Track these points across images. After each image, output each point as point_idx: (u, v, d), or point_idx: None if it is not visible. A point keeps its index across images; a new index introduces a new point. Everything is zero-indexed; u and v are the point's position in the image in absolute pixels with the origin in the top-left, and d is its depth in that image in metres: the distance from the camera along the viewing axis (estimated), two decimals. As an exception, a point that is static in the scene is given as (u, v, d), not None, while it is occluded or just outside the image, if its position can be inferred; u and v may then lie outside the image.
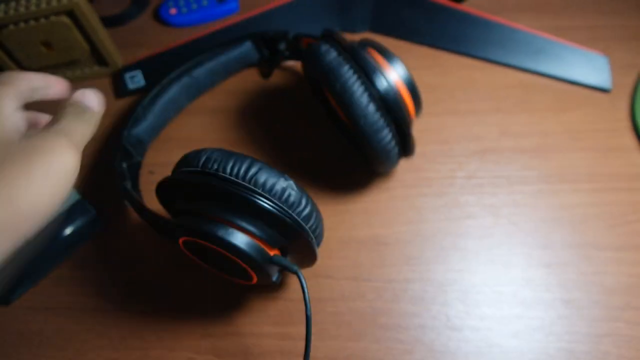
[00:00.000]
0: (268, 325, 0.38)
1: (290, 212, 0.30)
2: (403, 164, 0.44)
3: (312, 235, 0.32)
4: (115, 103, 0.51)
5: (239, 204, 0.30)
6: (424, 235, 0.41)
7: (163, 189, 0.33)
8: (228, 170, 0.30)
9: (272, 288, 0.40)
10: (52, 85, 0.31)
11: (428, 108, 0.47)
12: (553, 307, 0.37)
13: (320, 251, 0.41)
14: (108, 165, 0.45)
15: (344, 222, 0.42)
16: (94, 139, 0.50)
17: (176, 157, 0.33)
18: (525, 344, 0.36)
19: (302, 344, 0.37)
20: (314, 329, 0.38)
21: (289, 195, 0.30)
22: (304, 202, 0.31)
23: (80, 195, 0.44)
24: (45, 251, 0.42)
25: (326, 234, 0.42)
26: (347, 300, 0.39)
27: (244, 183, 0.30)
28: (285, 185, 0.30)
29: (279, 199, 0.30)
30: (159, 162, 0.47)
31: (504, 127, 0.46)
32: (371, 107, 0.36)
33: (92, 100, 0.29)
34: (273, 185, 0.30)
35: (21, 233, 0.23)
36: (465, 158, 0.44)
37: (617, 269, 0.38)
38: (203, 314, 0.39)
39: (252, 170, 0.30)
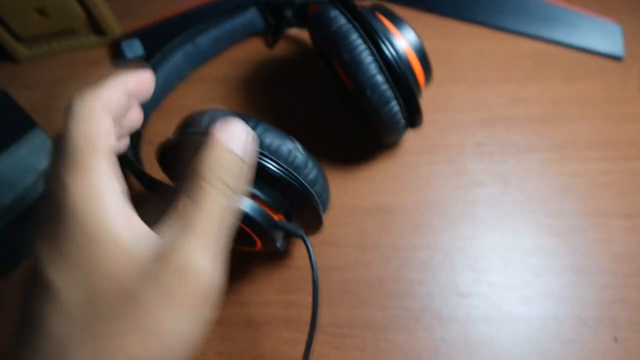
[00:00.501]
0: (272, 294, 0.38)
1: (296, 175, 0.30)
2: (411, 132, 0.43)
3: (317, 199, 0.32)
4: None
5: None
6: (431, 202, 0.40)
7: (164, 151, 0.32)
8: None
9: (276, 256, 0.39)
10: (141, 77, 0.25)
11: (437, 77, 0.45)
12: (562, 274, 0.37)
13: (325, 218, 0.40)
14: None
15: (349, 189, 0.42)
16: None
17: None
18: (535, 310, 0.36)
19: (307, 312, 0.37)
20: (320, 296, 0.37)
21: (295, 158, 0.30)
22: (310, 165, 0.30)
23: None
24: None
25: (332, 202, 0.41)
26: (352, 268, 0.38)
27: None
28: (291, 147, 0.29)
29: (285, 161, 0.29)
30: (158, 132, 0.46)
31: (514, 95, 0.45)
32: (379, 78, 0.35)
33: (241, 139, 0.22)
34: (279, 147, 0.29)
35: None
36: (475, 126, 0.43)
37: (626, 236, 0.38)
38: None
39: (258, 131, 0.29)
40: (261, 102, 0.47)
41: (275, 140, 0.29)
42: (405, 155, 0.43)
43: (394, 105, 0.36)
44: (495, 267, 0.37)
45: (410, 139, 0.43)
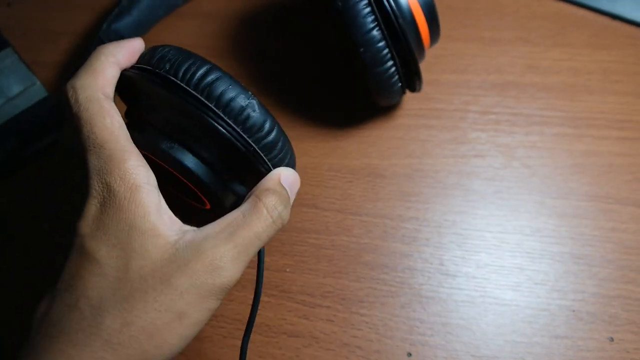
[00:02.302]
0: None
1: (245, 136, 0.24)
2: (410, 93, 0.39)
3: (271, 166, 0.26)
4: (98, -1, 0.46)
5: (186, 115, 0.24)
6: (425, 170, 0.36)
7: (118, 86, 0.27)
8: (180, 73, 0.24)
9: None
10: (130, 47, 0.26)
11: (447, 32, 0.41)
12: (561, 261, 0.33)
13: (307, 178, 0.37)
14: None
15: (336, 149, 0.38)
16: (69, 34, 0.45)
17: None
18: (525, 298, 0.32)
19: (278, 275, 0.34)
20: (292, 261, 0.34)
21: (248, 117, 0.24)
22: (267, 126, 0.25)
23: (48, 93, 0.40)
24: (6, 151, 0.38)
25: (316, 161, 0.37)
26: (330, 233, 0.35)
27: (193, 92, 0.24)
28: (245, 103, 0.24)
29: (234, 118, 0.24)
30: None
31: (531, 60, 0.40)
32: (375, 34, 0.30)
33: (293, 180, 0.26)
34: (230, 101, 0.24)
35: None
36: (483, 91, 0.39)
37: (638, 226, 0.34)
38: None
39: (209, 79, 0.24)
40: (253, 45, 0.43)
41: (228, 92, 0.24)
42: (402, 117, 0.39)
43: (390, 67, 0.32)
44: (487, 247, 0.34)
45: (410, 99, 0.39)
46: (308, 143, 0.38)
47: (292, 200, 0.26)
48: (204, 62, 0.24)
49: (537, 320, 0.32)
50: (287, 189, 0.25)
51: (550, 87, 0.39)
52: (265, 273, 0.34)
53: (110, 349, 0.22)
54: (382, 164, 0.37)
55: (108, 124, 0.23)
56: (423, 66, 0.33)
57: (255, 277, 0.33)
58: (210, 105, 0.24)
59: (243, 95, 0.24)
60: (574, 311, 0.32)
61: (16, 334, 0.33)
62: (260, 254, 0.26)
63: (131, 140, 0.23)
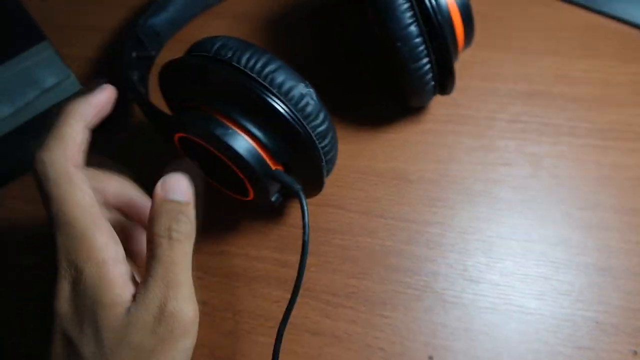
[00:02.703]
0: (267, 250, 0.35)
1: (303, 122, 0.26)
2: (439, 98, 0.39)
3: (323, 156, 0.28)
4: (133, -5, 0.46)
5: (247, 99, 0.25)
6: (452, 176, 0.37)
7: (166, 74, 0.29)
8: (243, 61, 0.25)
9: (273, 213, 0.36)
10: (99, 103, 0.26)
11: (477, 40, 0.40)
12: (586, 273, 0.33)
13: (334, 179, 0.37)
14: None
15: (364, 151, 0.38)
16: (102, 30, 0.46)
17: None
18: (549, 307, 0.32)
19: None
20: (316, 260, 0.35)
21: (307, 104, 0.26)
22: (321, 116, 0.27)
23: (82, 87, 0.40)
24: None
25: (343, 162, 0.38)
26: (356, 234, 0.35)
27: (257, 78, 0.25)
28: (304, 92, 0.26)
29: (295, 105, 0.26)
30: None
31: (560, 71, 0.40)
32: (413, 29, 0.31)
33: (181, 188, 0.25)
34: (291, 89, 0.26)
35: None
36: (511, 99, 0.39)
37: (666, 242, 0.34)
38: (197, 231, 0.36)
39: (270, 67, 0.26)
40: (283, 45, 0.44)
41: (288, 80, 0.26)
42: (430, 122, 0.39)
43: (426, 64, 0.32)
44: (512, 255, 0.34)
45: (438, 105, 0.39)
46: (335, 145, 0.39)
47: (190, 200, 0.25)
48: (264, 51, 0.26)
49: (560, 330, 0.32)
50: (179, 198, 0.25)
51: (579, 97, 0.39)
52: (290, 271, 0.34)
53: None
54: (409, 168, 0.37)
55: (79, 199, 0.23)
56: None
57: (277, 275, 0.34)
58: (274, 90, 0.25)
59: (303, 84, 0.26)
60: (597, 323, 0.32)
61: (16, 334, 0.34)
62: (304, 244, 0.27)
63: (100, 214, 0.24)
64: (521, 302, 0.33)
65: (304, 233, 0.27)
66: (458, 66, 0.39)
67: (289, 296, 0.33)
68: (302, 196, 0.27)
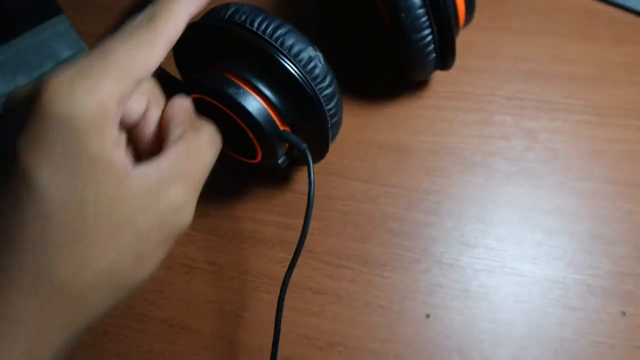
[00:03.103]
0: (272, 214, 0.37)
1: (311, 83, 0.28)
2: (440, 75, 0.41)
3: (329, 118, 0.30)
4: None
5: (259, 60, 0.27)
6: (450, 148, 0.38)
7: (181, 38, 0.30)
8: (255, 24, 0.27)
9: (279, 176, 0.38)
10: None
11: (478, 21, 0.42)
12: (579, 239, 0.35)
13: (337, 150, 0.39)
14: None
15: (367, 124, 0.40)
16: (117, 9, 0.47)
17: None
18: (541, 270, 0.34)
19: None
20: (319, 224, 0.36)
21: (315, 67, 0.28)
22: (328, 79, 0.28)
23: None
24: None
25: (346, 134, 0.39)
26: (357, 201, 0.37)
27: (269, 40, 0.27)
28: (312, 54, 0.28)
29: (304, 67, 0.27)
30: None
31: (557, 51, 0.42)
32: (416, 1, 0.32)
33: (179, 113, 0.24)
34: (300, 51, 0.27)
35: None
36: (510, 77, 0.41)
37: (656, 211, 0.35)
38: (204, 193, 0.37)
39: (281, 30, 0.27)
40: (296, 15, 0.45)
41: (298, 43, 0.27)
42: (431, 98, 0.40)
43: (428, 34, 0.34)
44: (507, 222, 0.35)
45: (438, 81, 0.41)
46: (340, 118, 0.40)
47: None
48: (275, 17, 0.27)
49: (552, 291, 0.33)
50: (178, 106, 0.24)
51: (575, 77, 0.40)
52: (293, 235, 0.36)
53: (65, 298, 0.19)
54: (409, 140, 0.39)
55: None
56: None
57: (281, 237, 0.36)
58: (284, 52, 0.27)
59: (311, 48, 0.27)
60: (588, 285, 0.33)
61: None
62: (309, 200, 0.28)
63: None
64: (515, 265, 0.34)
65: (309, 189, 0.28)
66: (459, 46, 0.41)
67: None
68: (308, 153, 0.29)
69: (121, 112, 0.20)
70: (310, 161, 0.29)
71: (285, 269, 0.35)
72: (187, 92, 0.30)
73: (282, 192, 0.37)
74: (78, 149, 0.18)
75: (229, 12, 0.28)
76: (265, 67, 0.27)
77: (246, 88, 0.27)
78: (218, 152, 0.24)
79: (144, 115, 0.23)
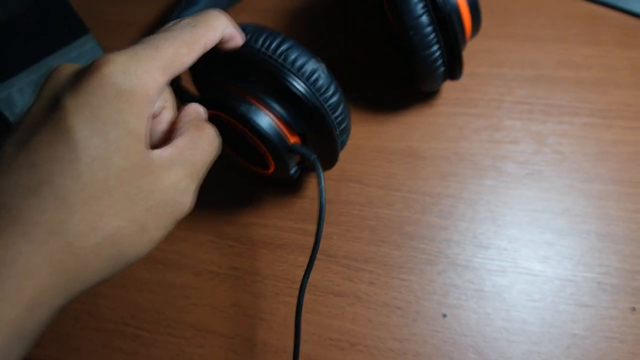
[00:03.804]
0: (291, 221, 0.38)
1: (316, 94, 0.29)
2: (449, 83, 0.42)
3: (336, 127, 0.31)
4: (165, -7, 0.50)
5: (265, 77, 0.28)
6: (462, 153, 0.40)
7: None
8: (259, 42, 0.28)
9: (293, 186, 0.39)
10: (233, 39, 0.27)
11: (485, 29, 0.44)
12: (587, 238, 0.36)
13: (352, 157, 0.40)
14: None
15: (380, 131, 0.41)
16: (139, 25, 0.49)
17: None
18: (552, 270, 0.35)
19: (325, 242, 0.37)
20: (338, 229, 0.38)
21: (318, 78, 0.29)
22: (332, 88, 0.30)
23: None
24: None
25: (360, 142, 0.41)
26: (374, 206, 0.38)
27: (272, 56, 0.28)
28: (315, 66, 0.29)
29: (307, 79, 0.29)
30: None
31: (563, 56, 0.43)
32: (424, 19, 0.34)
33: (192, 114, 0.26)
34: (303, 64, 0.28)
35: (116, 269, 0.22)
36: (517, 83, 0.42)
37: (662, 210, 0.36)
38: (228, 205, 0.39)
39: (284, 46, 0.28)
40: (302, 37, 0.47)
41: (300, 57, 0.28)
42: (442, 105, 0.42)
43: (436, 50, 0.35)
44: (518, 224, 0.37)
45: (448, 89, 0.43)
46: (353, 126, 0.41)
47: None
48: (279, 34, 0.29)
49: (564, 290, 0.34)
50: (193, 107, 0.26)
51: (581, 81, 0.42)
52: (312, 239, 0.37)
53: (72, 254, 0.19)
54: (422, 147, 0.40)
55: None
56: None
57: (300, 243, 0.37)
58: (287, 67, 0.28)
59: (314, 60, 0.29)
60: (598, 283, 0.34)
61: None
62: (321, 208, 0.30)
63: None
64: (527, 265, 0.35)
65: (320, 197, 0.30)
66: (467, 54, 0.43)
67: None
68: (318, 163, 0.30)
69: (158, 99, 0.22)
70: (320, 171, 0.30)
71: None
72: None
73: (300, 200, 0.39)
74: (119, 120, 0.20)
75: None
76: (271, 83, 0.28)
77: (256, 104, 0.29)
78: (217, 152, 0.26)
79: (159, 114, 0.26)
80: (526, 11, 0.46)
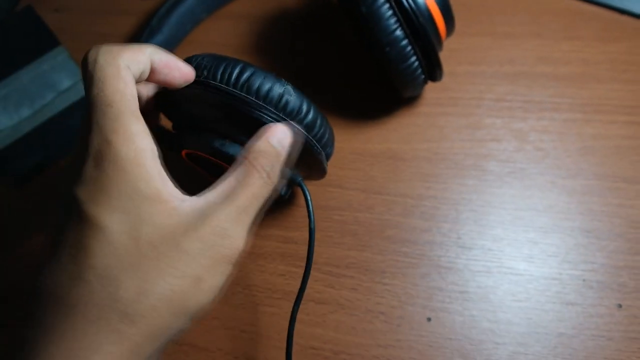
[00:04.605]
0: (272, 228, 0.38)
1: (288, 120, 0.27)
2: (429, 84, 0.42)
3: (317, 144, 0.29)
4: (141, 3, 0.50)
5: (233, 115, 0.27)
6: (443, 153, 0.39)
7: (157, 103, 0.29)
8: (218, 76, 0.26)
9: (281, 200, 0.38)
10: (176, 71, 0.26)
11: (463, 28, 0.44)
12: (572, 235, 0.35)
13: (332, 161, 0.40)
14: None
15: (359, 134, 0.41)
16: (115, 36, 0.49)
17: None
18: (537, 269, 0.34)
19: (305, 248, 0.36)
20: (318, 235, 0.37)
21: (287, 102, 0.27)
22: (305, 108, 0.28)
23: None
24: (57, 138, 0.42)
25: (340, 145, 0.40)
26: (354, 210, 0.38)
27: (235, 91, 0.26)
28: (281, 90, 0.27)
29: (276, 106, 0.27)
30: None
31: (542, 52, 0.43)
32: (398, 34, 0.33)
33: (284, 137, 0.25)
34: (268, 92, 0.26)
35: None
36: (497, 80, 0.42)
37: (646, 204, 0.36)
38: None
39: (245, 76, 0.26)
40: (280, 43, 0.47)
41: (264, 84, 0.26)
42: (421, 106, 0.41)
43: (414, 62, 0.35)
44: (501, 223, 0.36)
45: (428, 89, 0.42)
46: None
47: (284, 154, 0.26)
48: (237, 62, 0.27)
49: (549, 288, 0.34)
50: (276, 145, 0.25)
51: (561, 76, 0.41)
52: (293, 247, 0.37)
53: (129, 321, 0.20)
54: (402, 148, 0.40)
55: (121, 87, 0.22)
56: (441, 59, 0.36)
57: (281, 251, 0.36)
58: (252, 98, 0.26)
59: (278, 84, 0.27)
60: (584, 280, 0.34)
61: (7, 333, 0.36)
62: (311, 232, 0.29)
63: (139, 113, 0.23)
64: (512, 264, 0.35)
65: (309, 221, 0.29)
66: (446, 54, 0.42)
67: (293, 269, 0.36)
68: (305, 188, 0.29)
69: (157, 152, 0.23)
70: (308, 195, 0.29)
71: (287, 281, 0.36)
72: (179, 148, 0.30)
73: (281, 206, 0.38)
74: (131, 191, 0.21)
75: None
76: (241, 119, 0.27)
77: (228, 139, 0.28)
78: (272, 185, 0.25)
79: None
80: (503, 7, 0.45)
